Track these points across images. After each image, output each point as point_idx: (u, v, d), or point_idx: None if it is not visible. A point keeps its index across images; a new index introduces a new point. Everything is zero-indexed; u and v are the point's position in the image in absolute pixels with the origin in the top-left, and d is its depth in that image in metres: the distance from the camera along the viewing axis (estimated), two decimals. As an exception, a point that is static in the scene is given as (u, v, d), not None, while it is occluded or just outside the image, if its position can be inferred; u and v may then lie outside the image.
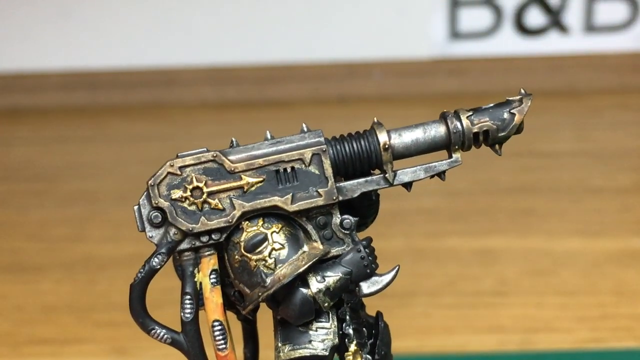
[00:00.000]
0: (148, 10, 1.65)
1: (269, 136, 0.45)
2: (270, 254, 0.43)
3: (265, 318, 0.50)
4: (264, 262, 0.43)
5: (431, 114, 0.51)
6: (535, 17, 1.59)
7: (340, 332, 0.45)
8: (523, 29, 1.59)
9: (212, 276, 0.43)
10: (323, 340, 0.44)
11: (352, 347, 0.45)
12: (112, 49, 1.67)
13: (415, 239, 1.17)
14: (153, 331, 0.44)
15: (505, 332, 1.01)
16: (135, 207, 0.45)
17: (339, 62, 1.65)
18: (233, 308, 0.47)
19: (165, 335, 0.44)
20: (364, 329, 0.46)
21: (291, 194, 0.43)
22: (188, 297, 0.43)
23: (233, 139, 0.45)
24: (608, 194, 1.31)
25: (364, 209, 0.47)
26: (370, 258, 0.45)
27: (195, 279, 0.44)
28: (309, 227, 0.44)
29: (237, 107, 1.59)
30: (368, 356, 0.46)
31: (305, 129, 0.45)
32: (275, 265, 0.43)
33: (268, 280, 0.43)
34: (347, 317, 0.46)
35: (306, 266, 0.43)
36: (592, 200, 1.29)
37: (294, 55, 1.65)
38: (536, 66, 1.60)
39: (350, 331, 0.45)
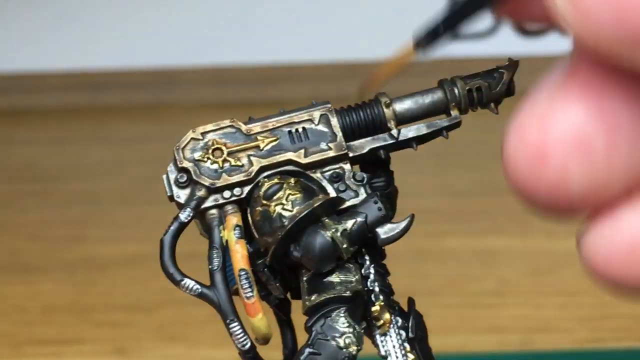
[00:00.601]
0: (148, 11, 1.65)
1: (281, 110, 0.49)
2: (287, 197, 0.45)
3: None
4: (281, 205, 0.45)
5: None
6: (535, 17, 1.59)
7: (366, 289, 0.46)
8: (523, 29, 1.59)
9: (236, 230, 0.46)
10: (347, 285, 0.46)
11: (379, 303, 0.46)
12: (112, 49, 1.67)
13: (415, 239, 1.17)
14: (182, 282, 0.45)
15: (506, 332, 1.01)
16: (164, 176, 0.48)
17: (339, 62, 1.65)
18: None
19: (195, 287, 0.45)
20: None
21: (304, 149, 0.46)
22: (215, 250, 0.45)
23: (250, 117, 0.49)
24: (608, 194, 1.31)
25: (376, 171, 0.49)
26: (386, 206, 0.47)
27: (221, 235, 0.46)
28: (324, 182, 0.47)
29: (238, 107, 1.59)
30: (398, 319, 0.46)
31: (314, 102, 0.48)
32: (293, 207, 0.45)
33: (286, 221, 0.44)
34: (372, 276, 0.47)
35: (321, 202, 0.45)
36: (592, 200, 1.29)
37: (294, 55, 1.65)
38: (536, 66, 1.60)
39: (377, 289, 0.47)
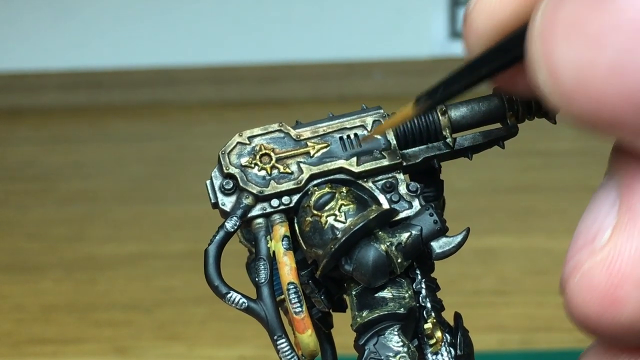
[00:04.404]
0: (148, 10, 1.65)
1: (330, 115, 0.47)
2: (339, 208, 0.43)
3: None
4: (334, 216, 0.43)
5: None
6: (535, 16, 1.59)
7: (418, 305, 0.45)
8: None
9: (284, 241, 0.44)
10: (400, 302, 0.44)
11: (431, 320, 0.45)
12: (111, 49, 1.67)
13: (416, 238, 1.17)
14: (228, 295, 0.43)
15: (506, 331, 1.01)
16: (208, 182, 0.45)
17: (339, 61, 1.65)
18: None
19: (241, 300, 0.43)
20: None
21: (356, 156, 0.44)
22: (262, 261, 0.43)
23: (297, 120, 0.47)
24: (608, 193, 1.31)
25: (427, 181, 0.47)
26: (441, 218, 0.45)
27: (268, 245, 0.44)
28: (376, 192, 0.45)
29: (238, 106, 1.59)
30: (447, 335, 0.45)
31: (364, 107, 0.46)
32: (346, 219, 0.43)
33: (339, 233, 0.43)
34: (424, 291, 0.46)
35: (376, 214, 0.43)
36: (593, 200, 1.30)
37: (294, 55, 1.65)
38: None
39: (429, 305, 0.45)
